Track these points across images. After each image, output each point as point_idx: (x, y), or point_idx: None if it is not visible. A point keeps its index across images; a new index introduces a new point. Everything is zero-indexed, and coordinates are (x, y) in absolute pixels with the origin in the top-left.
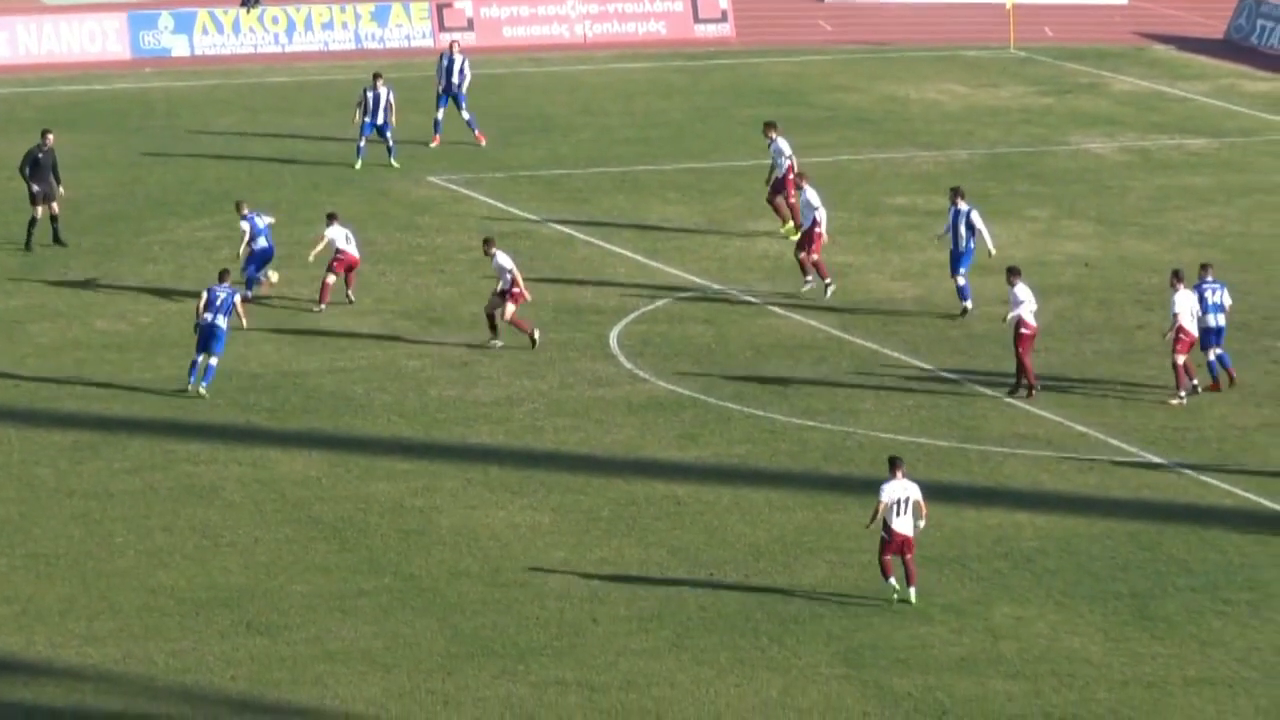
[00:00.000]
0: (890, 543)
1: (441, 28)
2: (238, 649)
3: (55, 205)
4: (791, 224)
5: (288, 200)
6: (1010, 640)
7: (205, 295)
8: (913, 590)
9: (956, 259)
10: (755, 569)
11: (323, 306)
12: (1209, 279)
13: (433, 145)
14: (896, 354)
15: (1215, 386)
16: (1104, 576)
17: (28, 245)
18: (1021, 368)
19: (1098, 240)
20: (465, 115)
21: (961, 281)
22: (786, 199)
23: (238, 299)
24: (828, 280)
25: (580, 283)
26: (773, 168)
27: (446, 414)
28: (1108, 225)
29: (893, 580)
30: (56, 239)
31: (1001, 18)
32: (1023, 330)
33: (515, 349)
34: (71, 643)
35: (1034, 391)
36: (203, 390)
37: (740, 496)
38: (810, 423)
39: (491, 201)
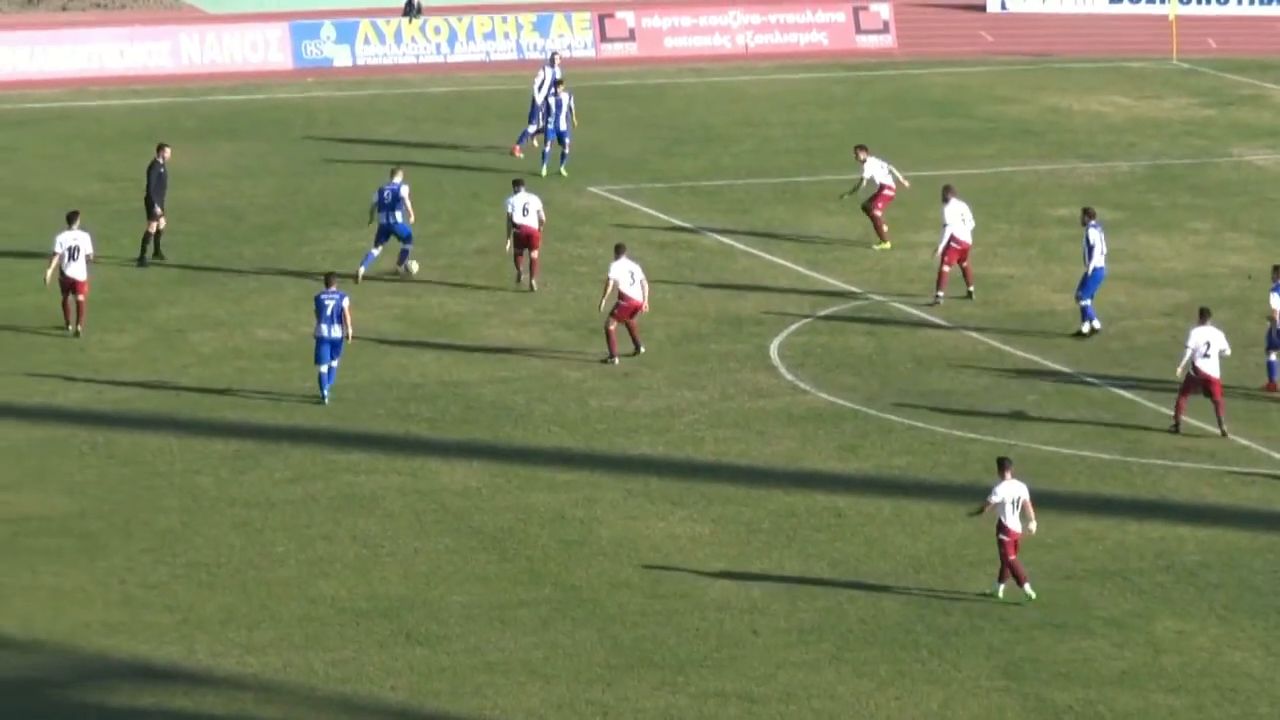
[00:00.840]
0: (1008, 542)
1: (604, 38)
2: (397, 659)
3: (163, 220)
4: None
5: (448, 210)
6: (1172, 654)
7: (315, 304)
8: (1027, 586)
9: (1084, 281)
10: (916, 581)
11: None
12: None
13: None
14: (1058, 366)
15: (1272, 387)
16: (1266, 591)
17: (141, 260)
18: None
19: (1260, 253)
20: (533, 127)
21: (1085, 302)
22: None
23: (346, 304)
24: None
25: (741, 292)
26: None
27: (607, 424)
28: (1270, 238)
29: (1001, 586)
30: (158, 253)
31: (1164, 29)
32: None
33: (676, 361)
34: (232, 652)
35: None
36: (325, 395)
37: (901, 508)
38: (971, 435)
39: (652, 212)
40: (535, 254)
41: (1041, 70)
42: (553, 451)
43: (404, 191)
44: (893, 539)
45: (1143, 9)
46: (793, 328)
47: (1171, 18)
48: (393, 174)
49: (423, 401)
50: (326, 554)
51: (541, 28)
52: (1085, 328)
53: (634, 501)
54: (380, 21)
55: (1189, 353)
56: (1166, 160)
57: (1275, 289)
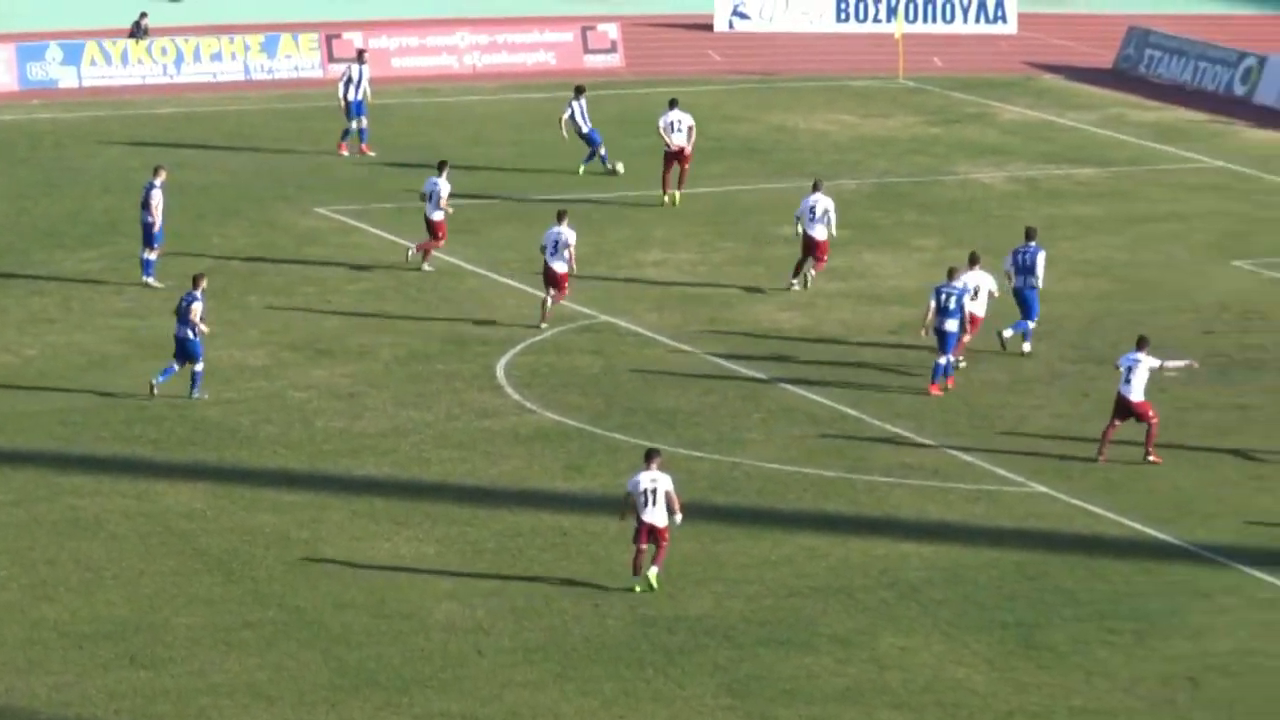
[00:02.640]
0: (640, 531)
1: (330, 58)
2: (121, 682)
3: None
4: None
5: (173, 230)
6: (896, 670)
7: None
8: (655, 570)
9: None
10: (641, 600)
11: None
12: None
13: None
14: (783, 384)
15: (937, 387)
16: (990, 606)
17: None
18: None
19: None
20: (361, 124)
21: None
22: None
23: (195, 307)
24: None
25: (468, 312)
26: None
27: (333, 445)
28: (996, 255)
29: (638, 577)
30: None
31: (890, 48)
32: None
33: (402, 381)
34: None
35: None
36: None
37: (627, 527)
38: (697, 453)
39: (380, 232)
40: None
41: (768, 89)
42: (278, 472)
43: (155, 196)
44: (618, 558)
45: (869, 28)
46: (519, 347)
47: (897, 36)
48: (156, 173)
49: (148, 423)
50: (49, 577)
51: (269, 48)
52: (1026, 347)
53: (359, 522)
54: (107, 43)
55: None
56: (892, 178)
57: (945, 298)
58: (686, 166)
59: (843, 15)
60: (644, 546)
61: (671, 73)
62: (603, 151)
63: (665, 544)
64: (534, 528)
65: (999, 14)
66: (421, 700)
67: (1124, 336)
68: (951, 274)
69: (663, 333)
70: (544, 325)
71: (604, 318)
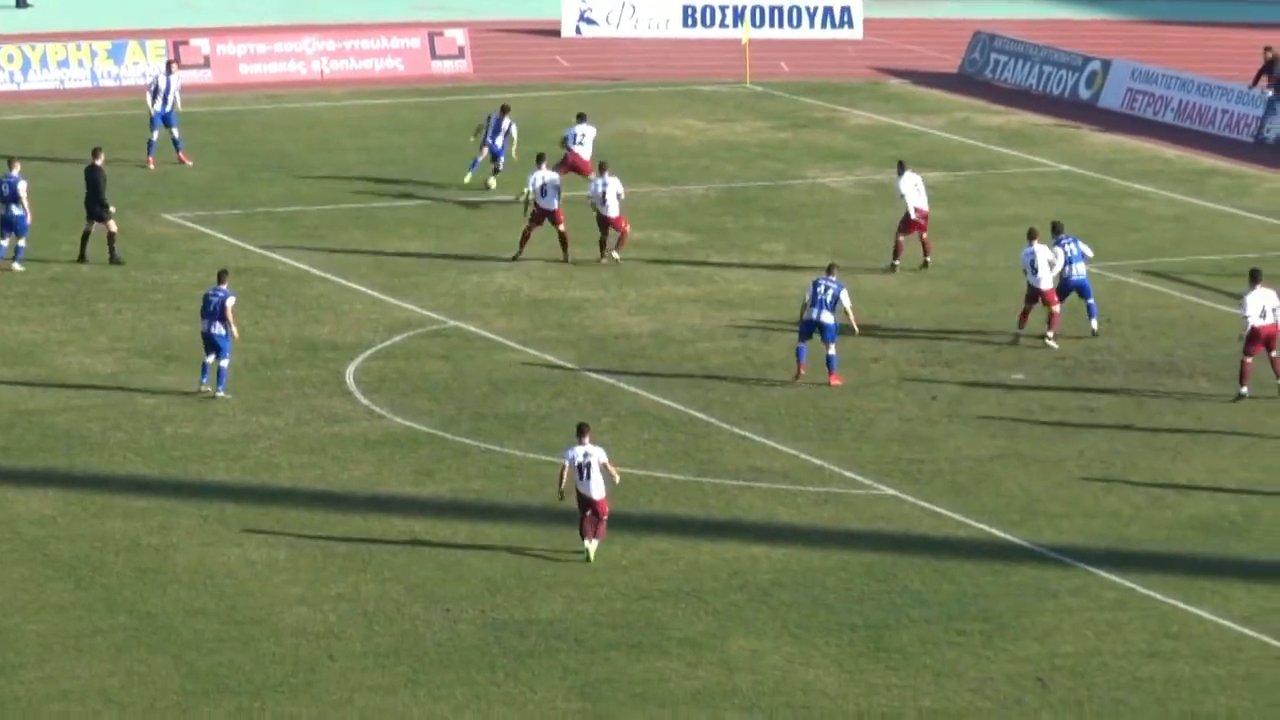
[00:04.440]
0: (580, 503)
1: (179, 64)
2: None
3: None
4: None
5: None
6: (746, 673)
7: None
8: (595, 544)
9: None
10: (492, 604)
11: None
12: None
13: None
14: (633, 388)
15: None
16: (839, 608)
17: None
18: None
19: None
20: (173, 134)
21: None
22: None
23: (230, 302)
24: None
25: (317, 317)
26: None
27: (182, 451)
28: (844, 259)
29: (586, 543)
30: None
31: (737, 53)
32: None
33: (252, 387)
34: None
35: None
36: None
37: (477, 531)
38: (547, 457)
39: (228, 238)
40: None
41: (616, 95)
42: (128, 479)
43: (21, 187)
44: (469, 562)
45: (716, 33)
46: (368, 353)
47: (744, 41)
48: (10, 164)
49: None
50: None
51: (116, 55)
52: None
53: (210, 528)
54: None
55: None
56: (741, 183)
57: (816, 286)
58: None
59: (690, 21)
60: (588, 513)
61: (519, 78)
62: (479, 159)
63: (604, 517)
64: (384, 532)
65: (845, 19)
66: (273, 705)
67: (972, 340)
68: (831, 269)
69: (512, 337)
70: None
71: (453, 323)
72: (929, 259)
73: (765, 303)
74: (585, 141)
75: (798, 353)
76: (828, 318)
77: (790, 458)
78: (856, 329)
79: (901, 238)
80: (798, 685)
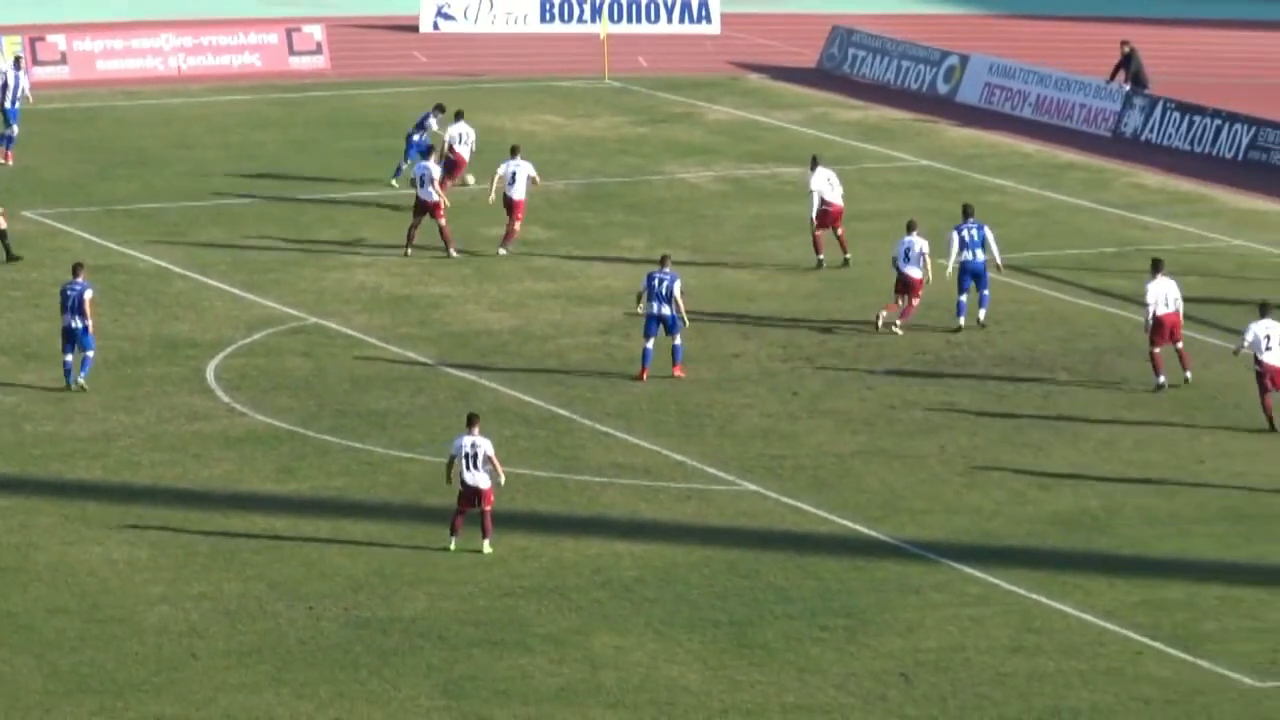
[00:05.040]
0: (464, 495)
1: (35, 60)
2: None
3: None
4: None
5: None
6: (610, 669)
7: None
8: (487, 542)
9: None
10: (355, 602)
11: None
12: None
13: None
14: (494, 385)
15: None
16: (703, 605)
17: None
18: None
19: (694, 270)
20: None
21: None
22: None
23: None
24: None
25: (177, 315)
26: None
27: (42, 449)
28: (704, 254)
29: (454, 539)
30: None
31: (595, 48)
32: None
33: (112, 385)
34: None
35: None
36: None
37: (339, 529)
38: (408, 454)
39: (87, 235)
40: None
41: (474, 90)
42: None
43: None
44: (331, 560)
45: (574, 28)
46: (229, 350)
47: (603, 36)
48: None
49: None
50: None
51: None
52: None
53: (71, 526)
54: None
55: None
56: (600, 178)
57: (650, 280)
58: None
59: (547, 16)
60: (464, 510)
61: (377, 74)
62: (403, 165)
63: (489, 508)
64: (246, 530)
65: (703, 14)
66: (136, 704)
67: (832, 334)
68: (664, 260)
69: (373, 334)
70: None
71: (314, 320)
72: (848, 256)
73: (626, 298)
74: (467, 141)
75: (644, 354)
76: (667, 310)
77: (652, 454)
78: (685, 322)
79: (819, 233)
80: (661, 682)
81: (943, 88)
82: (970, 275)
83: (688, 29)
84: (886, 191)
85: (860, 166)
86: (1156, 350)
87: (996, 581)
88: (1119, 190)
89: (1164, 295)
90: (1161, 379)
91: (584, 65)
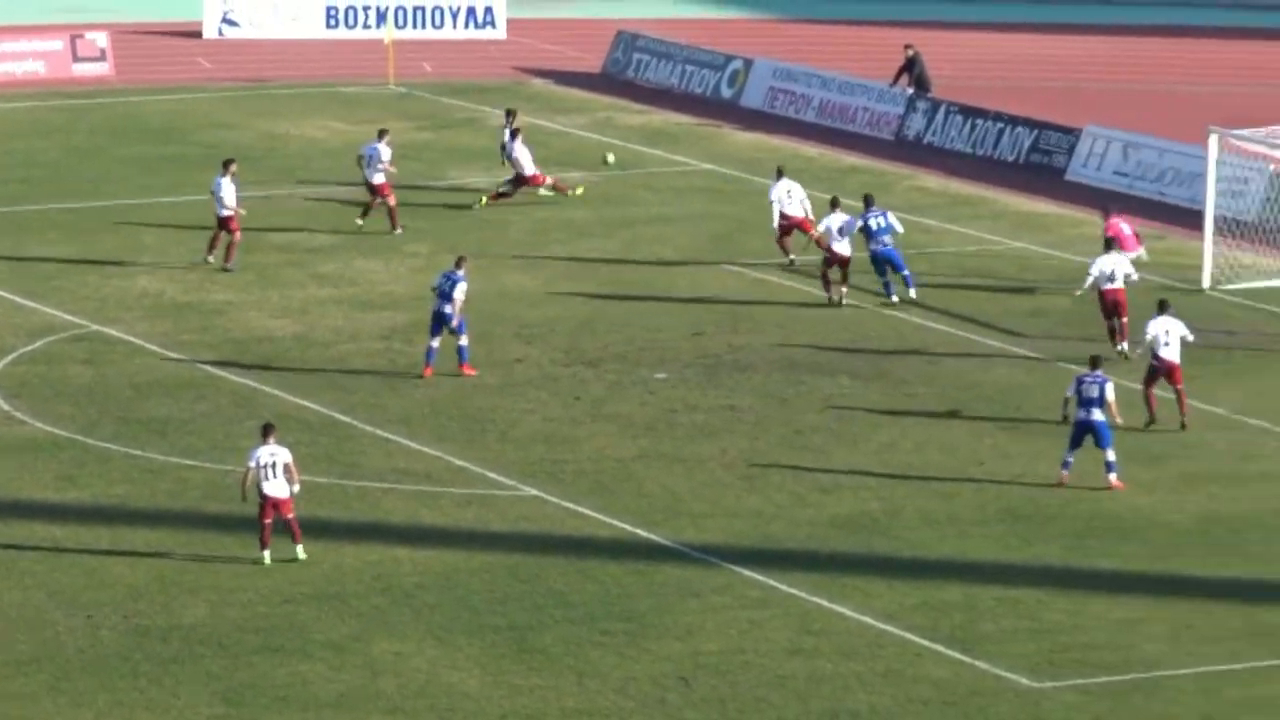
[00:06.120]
0: (265, 506)
1: None
2: None
3: None
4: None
5: None
6: (390, 676)
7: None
8: (299, 548)
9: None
10: (135, 610)
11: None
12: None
13: None
14: (276, 391)
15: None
16: (483, 610)
17: None
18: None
19: (479, 274)
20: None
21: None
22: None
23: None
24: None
25: None
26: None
27: None
28: (488, 259)
29: (267, 552)
30: None
31: (380, 53)
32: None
33: None
34: None
35: None
36: None
37: (119, 537)
38: (190, 461)
39: None
40: None
41: (259, 96)
42: None
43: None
44: (111, 568)
45: (358, 34)
46: (10, 358)
47: (387, 42)
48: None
49: None
50: None
51: None
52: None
53: None
54: None
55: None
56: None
57: (440, 282)
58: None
59: (332, 22)
60: (268, 520)
61: (162, 80)
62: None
63: (292, 516)
64: (26, 538)
65: (488, 19)
66: None
67: (614, 339)
68: (459, 263)
69: (154, 341)
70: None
71: (95, 327)
72: (792, 258)
73: (408, 304)
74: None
75: (428, 352)
76: (448, 309)
77: (434, 459)
78: (455, 320)
79: (786, 240)
80: (441, 688)
81: (727, 92)
82: (884, 262)
83: (473, 34)
84: (670, 196)
85: (645, 171)
86: (1113, 322)
87: (776, 584)
88: (901, 193)
89: (1112, 269)
90: (1123, 346)
91: (369, 71)
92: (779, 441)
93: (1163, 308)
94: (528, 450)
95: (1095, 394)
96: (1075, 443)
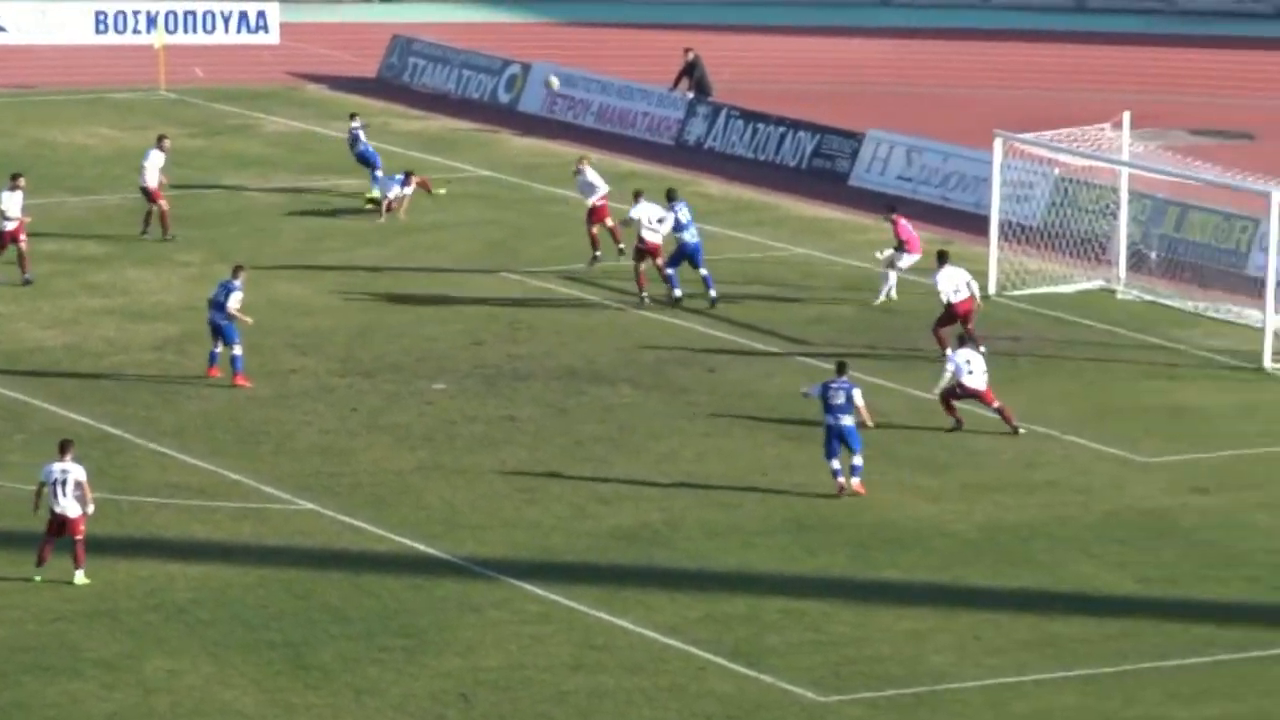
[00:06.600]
0: (52, 523)
1: None
2: None
3: None
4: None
5: None
6: (163, 694)
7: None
8: (80, 573)
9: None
10: None
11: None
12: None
13: None
14: (46, 404)
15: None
16: (258, 626)
17: None
18: None
19: (251, 284)
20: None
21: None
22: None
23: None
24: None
25: None
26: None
27: None
28: (262, 269)
29: (40, 570)
30: None
31: (150, 59)
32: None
33: None
34: None
35: None
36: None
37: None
38: None
39: None
40: None
41: (25, 103)
42: None
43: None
44: None
45: (128, 39)
46: None
47: (158, 47)
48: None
49: None
50: None
51: None
52: (677, 293)
53: None
54: None
55: (949, 373)
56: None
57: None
58: None
59: (101, 27)
60: (52, 538)
61: None
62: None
63: (80, 537)
64: None
65: (261, 24)
66: None
67: (390, 349)
68: (236, 271)
69: None
70: None
71: None
72: (621, 247)
73: (181, 314)
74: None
75: (211, 355)
76: (221, 318)
77: (208, 473)
78: (243, 319)
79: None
80: (216, 706)
81: (504, 97)
82: (690, 256)
83: (246, 39)
84: (447, 202)
85: (425, 177)
86: (943, 331)
87: (557, 598)
88: (688, 199)
89: (956, 283)
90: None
91: (139, 76)
92: (559, 452)
93: (962, 341)
94: (303, 463)
95: (842, 399)
96: (832, 451)
